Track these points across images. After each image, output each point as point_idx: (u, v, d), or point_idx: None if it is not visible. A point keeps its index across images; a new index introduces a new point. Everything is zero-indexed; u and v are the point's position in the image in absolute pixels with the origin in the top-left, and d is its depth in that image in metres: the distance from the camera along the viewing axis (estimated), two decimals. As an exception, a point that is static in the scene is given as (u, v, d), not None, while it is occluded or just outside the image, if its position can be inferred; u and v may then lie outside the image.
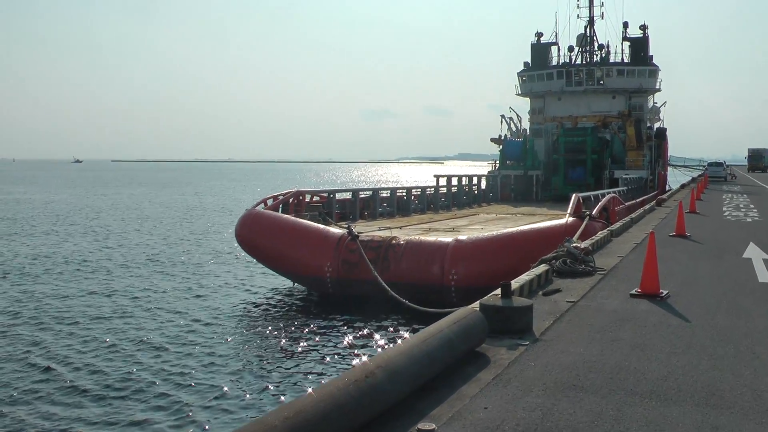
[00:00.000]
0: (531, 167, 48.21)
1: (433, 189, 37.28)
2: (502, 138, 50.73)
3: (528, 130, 53.24)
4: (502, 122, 52.57)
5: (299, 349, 16.32)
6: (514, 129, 53.01)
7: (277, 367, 15.06)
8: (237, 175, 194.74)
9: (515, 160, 48.91)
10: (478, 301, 7.58)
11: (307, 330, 18.11)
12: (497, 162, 50.24)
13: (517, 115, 53.99)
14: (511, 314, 7.28)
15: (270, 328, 18.55)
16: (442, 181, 39.18)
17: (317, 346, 16.61)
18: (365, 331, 17.72)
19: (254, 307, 21.60)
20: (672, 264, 12.34)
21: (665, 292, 9.45)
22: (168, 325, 18.83)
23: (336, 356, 15.79)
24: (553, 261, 11.48)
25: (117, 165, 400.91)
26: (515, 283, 9.33)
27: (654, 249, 9.39)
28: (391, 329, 17.84)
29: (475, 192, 42.19)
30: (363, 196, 31.24)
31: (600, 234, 15.61)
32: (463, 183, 40.89)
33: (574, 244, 11.89)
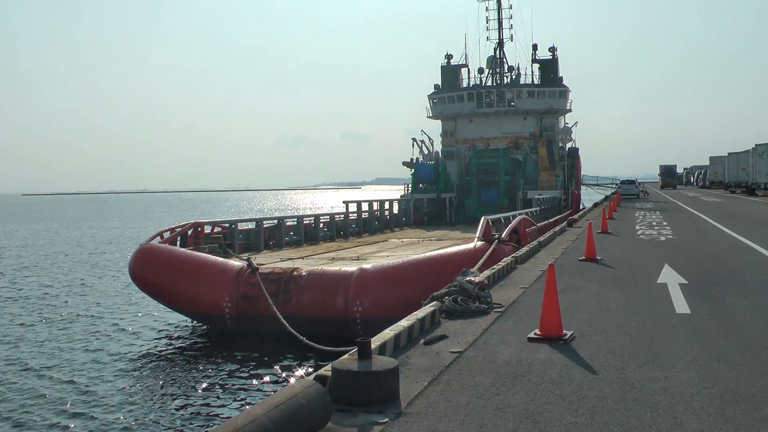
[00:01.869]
0: (444, 190, 47.57)
1: (342, 215, 35.66)
2: (414, 161, 49.81)
3: (440, 153, 52.51)
4: (413, 145, 51.66)
5: (183, 393, 15.32)
6: (426, 152, 52.20)
7: (160, 414, 14.00)
8: (150, 207, 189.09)
9: (428, 183, 48.22)
10: (329, 365, 5.90)
11: (194, 372, 16.98)
12: (410, 186, 49.23)
13: (429, 138, 53.28)
14: (369, 381, 5.60)
15: (157, 372, 17.32)
16: (353, 207, 37.76)
17: (202, 390, 15.50)
18: (258, 372, 16.69)
19: (145, 349, 19.93)
20: (579, 295, 10.89)
21: (569, 334, 7.92)
22: (58, 369, 17.62)
23: (217, 402, 14.70)
24: (446, 298, 9.92)
25: (28, 199, 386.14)
26: (390, 331, 7.67)
27: (554, 285, 7.85)
28: (288, 369, 16.77)
29: (387, 217, 40.80)
30: (268, 225, 29.69)
31: (502, 262, 14.13)
32: (375, 208, 39.41)
33: (468, 278, 10.30)
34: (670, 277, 12.50)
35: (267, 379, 16.06)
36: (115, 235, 70.65)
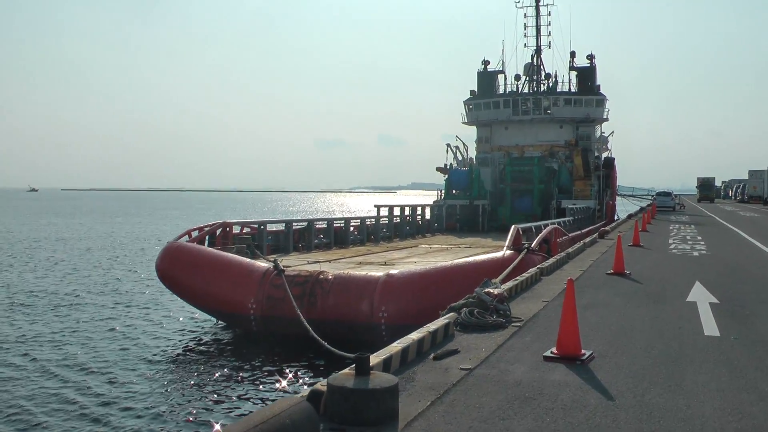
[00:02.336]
0: (477, 197, 47.05)
1: (373, 219, 35.37)
2: (448, 167, 49.43)
3: (474, 159, 52.06)
4: (447, 151, 51.28)
5: (194, 393, 15.35)
6: (460, 158, 51.81)
7: (180, 412, 14.09)
8: (188, 204, 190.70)
9: (461, 190, 47.82)
10: (325, 380, 5.56)
11: (212, 372, 16.97)
12: (443, 191, 48.85)
13: (464, 144, 52.90)
14: (365, 399, 5.24)
15: (175, 371, 17.39)
16: (384, 211, 37.40)
17: (215, 390, 15.51)
18: (274, 375, 16.54)
19: (167, 348, 20.00)
20: (603, 312, 10.40)
21: (588, 354, 7.47)
22: (84, 364, 17.77)
23: (227, 403, 14.73)
24: (463, 309, 9.52)
25: (66, 194, 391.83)
26: (398, 344, 7.30)
27: (573, 302, 7.39)
28: (307, 373, 16.67)
29: (419, 222, 40.37)
30: (297, 227, 29.44)
31: (526, 273, 13.67)
32: (406, 213, 39.02)
33: (488, 289, 9.89)
34: (700, 296, 11.95)
35: (284, 383, 15.90)
36: (150, 232, 71.11)
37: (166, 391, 15.57)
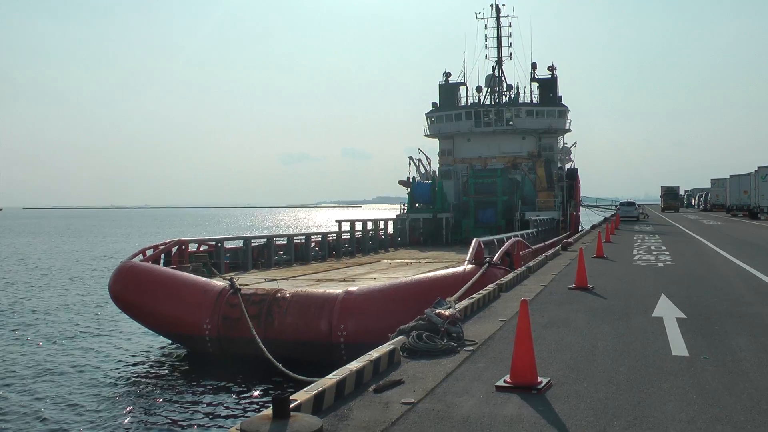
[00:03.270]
0: (440, 210, 46.83)
1: (335, 235, 34.68)
2: (411, 180, 48.94)
3: (437, 172, 51.64)
4: (410, 164, 50.78)
5: (152, 419, 14.78)
6: (423, 171, 51.32)
7: None
8: (149, 221, 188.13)
9: (424, 203, 47.50)
10: (239, 424, 4.75)
11: (164, 398, 16.33)
12: (406, 205, 48.34)
13: (426, 157, 52.52)
14: (279, 450, 4.45)
15: (125, 398, 16.47)
16: (345, 226, 36.70)
17: (171, 415, 14.94)
18: (228, 399, 15.97)
19: (119, 373, 19.11)
20: (563, 331, 9.67)
21: (544, 382, 6.73)
22: (32, 388, 17.17)
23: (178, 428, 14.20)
24: (413, 333, 8.77)
25: (29, 212, 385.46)
26: (333, 377, 6.50)
27: (527, 325, 6.65)
28: (262, 396, 15.93)
29: (382, 237, 39.72)
30: (256, 243, 28.64)
31: (484, 290, 12.94)
32: (369, 227, 38.36)
33: (439, 310, 9.13)
34: (666, 310, 11.28)
35: (237, 406, 15.34)
36: (111, 250, 69.49)
37: (112, 416, 14.94)
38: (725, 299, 12.72)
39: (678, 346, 8.53)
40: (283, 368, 14.82)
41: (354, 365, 6.93)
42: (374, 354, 7.44)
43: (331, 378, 6.44)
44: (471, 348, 8.48)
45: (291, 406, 5.44)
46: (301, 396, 5.80)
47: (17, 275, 46.20)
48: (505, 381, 6.76)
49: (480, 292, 12.59)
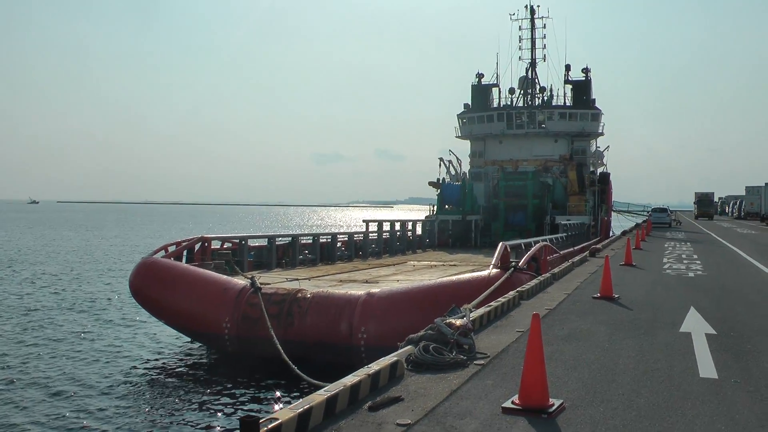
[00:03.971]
0: (470, 212, 46.31)
1: (362, 235, 34.23)
2: (441, 182, 48.43)
3: (468, 174, 51.03)
4: (440, 165, 50.27)
5: (164, 419, 14.57)
6: (453, 172, 50.80)
7: None
8: (182, 217, 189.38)
9: (454, 205, 46.98)
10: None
11: (178, 397, 16.14)
12: (435, 206, 47.84)
13: (457, 158, 52.03)
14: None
15: (139, 396, 16.29)
16: (373, 227, 36.23)
17: (177, 415, 14.75)
18: (242, 401, 15.67)
19: (137, 370, 18.93)
20: (583, 345, 9.04)
21: (556, 404, 6.14)
22: (52, 384, 16.98)
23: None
24: (421, 343, 8.23)
25: (62, 206, 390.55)
26: (324, 392, 5.97)
27: (538, 342, 6.06)
28: (277, 399, 15.67)
29: (409, 238, 39.15)
30: (281, 242, 28.29)
31: (504, 297, 12.35)
32: (396, 228, 37.77)
33: (449, 320, 8.57)
34: (695, 325, 10.57)
35: (248, 408, 15.11)
36: (140, 245, 69.73)
37: (128, 414, 14.77)
38: (759, 315, 11.93)
39: (706, 367, 7.87)
40: (298, 371, 14.55)
41: (349, 379, 6.40)
42: (374, 367, 6.90)
43: (321, 394, 5.92)
44: (482, 362, 7.91)
45: (270, 426, 4.94)
46: (283, 414, 5.29)
47: (46, 267, 46.46)
48: (513, 402, 6.18)
49: (499, 299, 12.00)
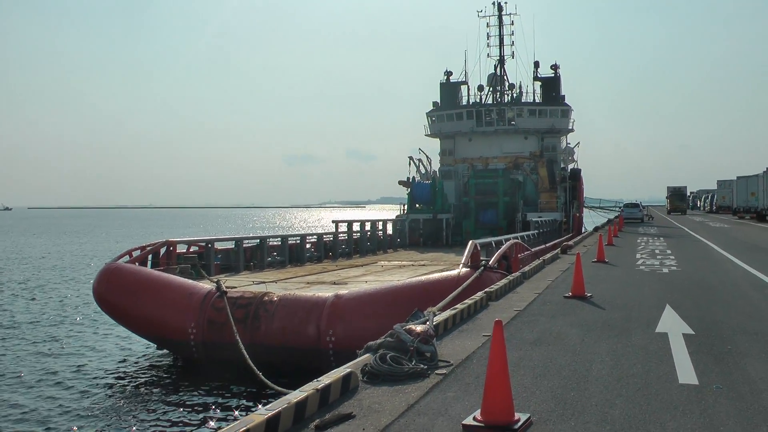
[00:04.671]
0: (441, 210, 45.92)
1: (332, 236, 33.76)
2: (411, 180, 47.96)
3: (438, 172, 50.65)
4: (410, 164, 49.78)
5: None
6: (423, 171, 50.34)
7: None
8: (152, 221, 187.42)
9: (424, 204, 46.58)
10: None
11: (143, 406, 15.68)
12: (406, 205, 47.38)
13: (427, 157, 51.57)
14: None
15: (103, 406, 15.75)
16: (343, 227, 35.64)
17: (146, 426, 14.24)
18: (207, 410, 15.16)
19: (99, 379, 18.35)
20: (554, 350, 8.44)
21: (523, 419, 5.52)
22: (11, 394, 16.61)
23: None
24: (380, 351, 7.61)
25: (34, 212, 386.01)
26: (265, 411, 5.31)
27: (501, 352, 5.44)
28: (240, 407, 15.11)
29: (380, 237, 38.64)
30: (249, 244, 27.67)
31: (471, 298, 11.74)
32: (366, 228, 37.28)
33: (409, 325, 7.94)
34: (672, 324, 10.01)
35: (212, 416, 14.64)
36: (106, 250, 68.49)
37: (89, 425, 14.36)
38: (739, 312, 11.37)
39: (686, 372, 7.29)
40: (263, 377, 14.13)
41: (294, 395, 5.75)
42: (324, 380, 6.25)
43: (261, 413, 5.27)
44: (444, 371, 7.28)
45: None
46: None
47: (11, 274, 45.34)
48: (474, 418, 5.55)
49: (465, 301, 11.38)
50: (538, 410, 5.92)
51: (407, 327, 7.84)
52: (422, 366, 7.25)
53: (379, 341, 7.92)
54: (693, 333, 9.44)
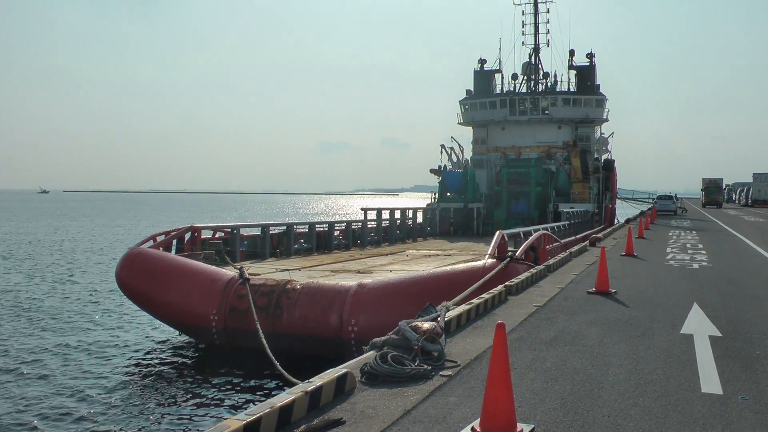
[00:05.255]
0: (472, 200, 45.59)
1: (360, 223, 33.46)
2: (442, 169, 47.55)
3: (470, 161, 50.12)
4: (442, 152, 49.34)
5: (147, 415, 13.94)
6: (455, 160, 49.86)
7: None
8: (187, 206, 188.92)
9: (455, 192, 46.22)
10: None
11: (165, 393, 15.52)
12: (437, 194, 47.00)
13: (459, 145, 51.10)
14: None
15: (123, 392, 15.63)
16: (372, 215, 35.33)
17: (160, 411, 14.16)
18: (224, 397, 15.03)
19: (120, 365, 18.23)
20: (569, 351, 7.95)
21: (526, 431, 5.09)
22: (35, 376, 16.62)
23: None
24: (385, 349, 7.22)
25: (69, 195, 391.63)
26: (243, 417, 4.93)
27: (504, 358, 4.98)
28: (261, 394, 14.91)
29: (410, 226, 38.24)
30: (275, 231, 27.44)
31: (489, 292, 11.26)
32: (396, 217, 36.80)
33: (416, 322, 7.52)
34: (698, 326, 9.45)
35: (228, 404, 14.47)
36: (137, 235, 69.01)
37: (106, 410, 14.28)
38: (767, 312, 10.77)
39: (710, 379, 6.76)
40: (280, 368, 13.78)
41: (280, 399, 5.36)
42: (316, 381, 5.86)
43: (239, 419, 4.88)
44: (449, 372, 6.85)
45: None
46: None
47: (41, 257, 45.68)
48: (473, 429, 5.12)
49: (482, 296, 10.92)
50: (545, 420, 5.47)
51: (413, 324, 7.42)
52: (426, 367, 6.81)
53: (384, 338, 7.52)
54: (720, 335, 8.88)
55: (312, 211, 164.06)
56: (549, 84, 53.09)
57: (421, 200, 70.97)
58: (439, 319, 8.28)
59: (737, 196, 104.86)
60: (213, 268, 19.40)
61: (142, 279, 19.58)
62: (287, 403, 5.31)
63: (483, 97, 51.62)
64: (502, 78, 53.27)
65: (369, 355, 7.16)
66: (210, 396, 15.10)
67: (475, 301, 10.34)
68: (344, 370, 6.24)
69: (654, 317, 10.18)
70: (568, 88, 52.11)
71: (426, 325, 7.39)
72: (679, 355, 7.77)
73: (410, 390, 6.22)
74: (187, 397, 15.09)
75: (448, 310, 9.26)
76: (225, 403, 14.55)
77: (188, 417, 13.78)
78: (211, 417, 13.76)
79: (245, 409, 13.34)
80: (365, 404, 5.80)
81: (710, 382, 6.68)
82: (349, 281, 17.79)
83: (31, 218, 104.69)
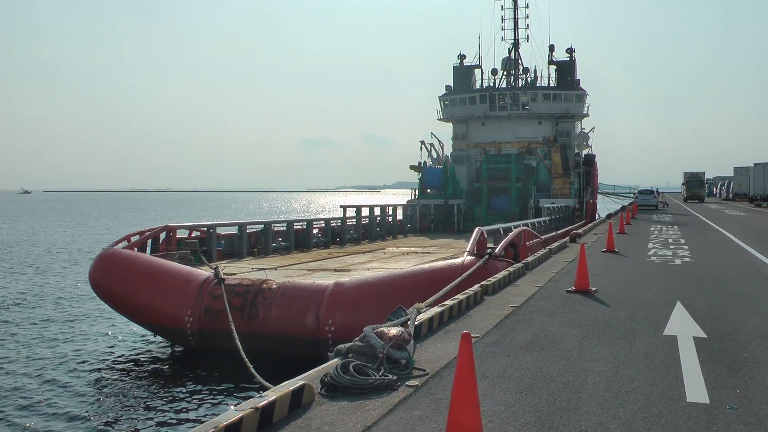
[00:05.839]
0: (452, 196, 45.62)
1: (340, 221, 33.14)
2: (422, 165, 47.36)
3: (450, 157, 49.91)
4: (422, 148, 49.09)
5: (119, 419, 13.76)
6: (435, 156, 49.61)
7: None
8: (171, 204, 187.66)
9: (436, 189, 46.15)
10: None
11: (138, 396, 15.27)
12: (417, 191, 46.77)
13: (439, 141, 50.95)
14: None
15: (95, 397, 15.28)
16: (351, 212, 34.91)
17: (137, 417, 13.88)
18: (198, 400, 14.79)
19: (95, 368, 17.90)
20: (546, 355, 7.47)
21: (497, 451, 4.61)
22: (10, 379, 16.44)
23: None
24: (350, 356, 6.74)
25: (49, 195, 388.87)
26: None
27: (471, 368, 4.51)
28: (233, 398, 14.69)
29: (390, 223, 37.87)
30: (252, 229, 27.10)
31: (464, 293, 10.79)
32: (376, 213, 36.41)
33: (381, 328, 7.04)
34: (682, 326, 9.00)
35: (203, 408, 14.23)
36: (114, 234, 68.16)
37: (79, 413, 14.07)
38: (757, 312, 10.26)
39: (695, 386, 6.30)
40: (253, 370, 13.35)
41: (226, 417, 4.86)
42: (269, 396, 5.36)
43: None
44: (416, 382, 6.36)
45: None
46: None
47: (16, 259, 44.97)
48: (438, 447, 4.64)
49: (456, 297, 10.45)
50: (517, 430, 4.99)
51: (379, 330, 6.94)
52: (391, 376, 6.32)
53: (348, 345, 7.06)
54: (705, 336, 8.42)
55: (296, 208, 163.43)
56: (529, 79, 53.09)
57: (402, 197, 70.77)
58: (408, 323, 7.80)
59: (718, 190, 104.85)
60: (188, 268, 19.08)
61: (115, 280, 19.22)
62: (234, 422, 4.81)
63: (462, 92, 51.55)
64: (482, 73, 53.40)
65: (332, 363, 6.68)
66: (182, 400, 14.82)
67: (449, 302, 9.87)
68: (301, 383, 5.74)
69: (636, 317, 9.72)
70: (548, 84, 52.11)
71: (393, 331, 6.91)
72: (662, 360, 7.31)
73: (373, 403, 5.74)
74: (158, 403, 14.73)
75: (420, 313, 8.77)
76: (197, 409, 14.19)
77: (155, 423, 13.44)
78: (179, 423, 13.43)
79: (214, 414, 12.94)
80: (323, 419, 5.31)
81: (696, 389, 6.21)
82: (327, 280, 17.58)
83: (17, 218, 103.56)
